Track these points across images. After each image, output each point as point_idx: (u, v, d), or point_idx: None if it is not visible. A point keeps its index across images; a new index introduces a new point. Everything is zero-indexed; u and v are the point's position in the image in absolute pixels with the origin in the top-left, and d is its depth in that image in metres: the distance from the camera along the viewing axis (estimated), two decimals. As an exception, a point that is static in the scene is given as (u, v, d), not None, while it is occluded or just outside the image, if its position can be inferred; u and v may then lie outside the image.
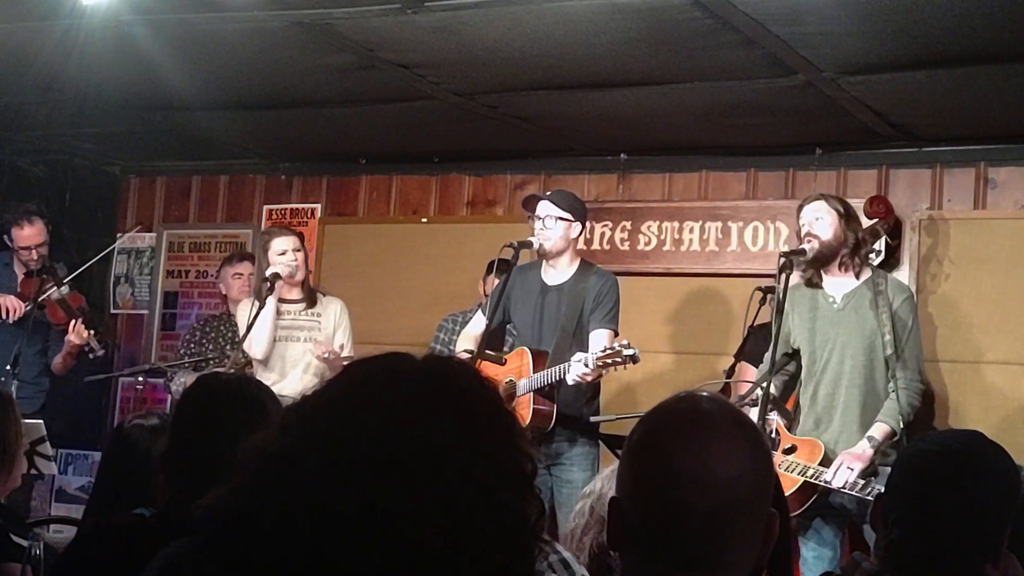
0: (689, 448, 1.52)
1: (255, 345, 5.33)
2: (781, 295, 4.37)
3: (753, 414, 4.25)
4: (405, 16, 4.29)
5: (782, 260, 4.43)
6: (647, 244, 6.27)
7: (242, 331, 5.31)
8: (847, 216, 4.59)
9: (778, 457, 4.45)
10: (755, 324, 5.08)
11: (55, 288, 6.07)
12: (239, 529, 1.20)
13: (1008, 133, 5.48)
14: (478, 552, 1.19)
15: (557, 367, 4.61)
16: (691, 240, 6.17)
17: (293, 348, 5.45)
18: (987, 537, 2.14)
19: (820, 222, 4.55)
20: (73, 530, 4.10)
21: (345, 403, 1.24)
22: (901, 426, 4.37)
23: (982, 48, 4.28)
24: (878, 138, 5.67)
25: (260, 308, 5.23)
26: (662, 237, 6.24)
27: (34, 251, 6.12)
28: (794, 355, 4.73)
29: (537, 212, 4.95)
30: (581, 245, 5.63)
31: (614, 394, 5.79)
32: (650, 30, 4.28)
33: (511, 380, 4.79)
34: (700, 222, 6.16)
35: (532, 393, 4.72)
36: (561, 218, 4.90)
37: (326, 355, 5.26)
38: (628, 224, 6.32)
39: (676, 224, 6.22)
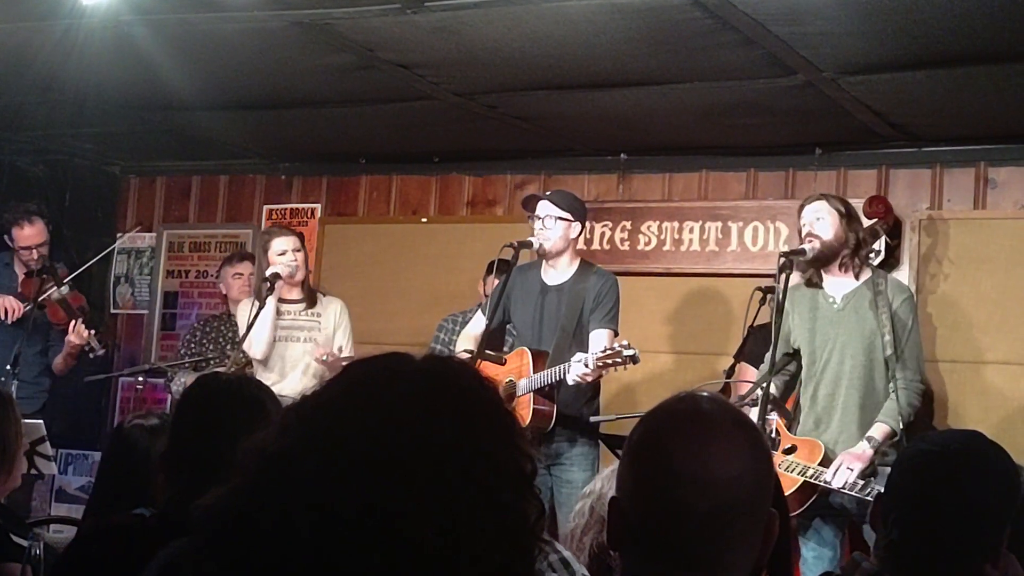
0: (689, 448, 1.52)
1: (255, 345, 5.33)
2: (781, 295, 4.37)
3: (753, 414, 4.25)
4: (405, 16, 4.29)
5: (782, 260, 4.43)
6: (647, 244, 6.27)
7: (242, 331, 5.31)
8: (848, 216, 4.59)
9: (778, 457, 4.45)
10: (755, 324, 5.07)
11: (55, 288, 6.08)
12: (239, 529, 1.20)
13: (1008, 133, 5.48)
14: (478, 552, 1.19)
15: (557, 367, 4.61)
16: (691, 240, 6.17)
17: (293, 348, 5.45)
18: (987, 537, 2.14)
19: (821, 222, 4.55)
20: (73, 530, 4.10)
21: (345, 403, 1.24)
22: (901, 426, 4.37)
23: (982, 48, 4.28)
24: (878, 138, 5.67)
25: (260, 308, 5.23)
26: (662, 237, 6.24)
27: (34, 251, 6.13)
28: (795, 355, 4.73)
29: (537, 212, 4.95)
30: (581, 245, 5.63)
31: (614, 394, 5.79)
32: (650, 30, 4.28)
33: (511, 380, 4.79)
34: (700, 222, 6.16)
35: (532, 393, 4.72)
36: (561, 218, 4.90)
37: (325, 358, 5.26)
38: (628, 224, 6.32)
39: (676, 224, 6.22)
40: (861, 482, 4.26)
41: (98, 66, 5.06)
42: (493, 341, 5.09)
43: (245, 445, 1.25)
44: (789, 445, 4.55)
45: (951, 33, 4.12)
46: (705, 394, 1.64)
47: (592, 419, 4.81)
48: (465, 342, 5.14)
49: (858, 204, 5.01)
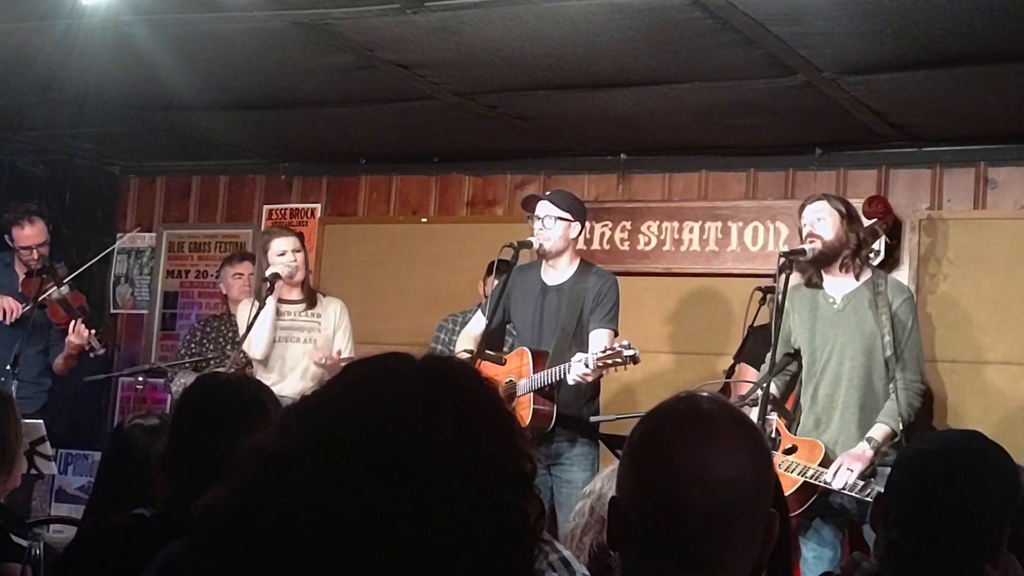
0: (689, 448, 1.52)
1: (254, 345, 5.33)
2: (781, 295, 4.37)
3: (753, 414, 4.25)
4: (405, 16, 4.29)
5: (782, 260, 4.43)
6: (647, 244, 6.27)
7: (242, 331, 5.31)
8: (849, 217, 4.59)
9: (778, 457, 4.45)
10: (755, 325, 5.07)
11: (55, 288, 6.08)
12: (238, 529, 1.19)
13: (1008, 133, 5.48)
14: (478, 552, 1.19)
15: (557, 367, 4.61)
16: (691, 240, 6.17)
17: (293, 349, 5.45)
18: (987, 537, 2.14)
19: (822, 223, 4.55)
20: (73, 530, 4.10)
21: (345, 403, 1.24)
22: (901, 427, 4.37)
23: (982, 48, 4.27)
24: (878, 138, 5.67)
25: (260, 308, 5.24)
26: (662, 237, 6.24)
27: (35, 251, 6.13)
28: (795, 355, 4.73)
29: (536, 212, 4.95)
30: (581, 245, 5.63)
31: (614, 394, 5.79)
32: (650, 30, 4.28)
33: (511, 380, 4.79)
34: (700, 222, 6.16)
35: (532, 393, 4.72)
36: (560, 218, 4.90)
37: (323, 361, 5.25)
38: (628, 224, 6.32)
39: (676, 224, 6.22)
40: (861, 483, 4.26)
41: (98, 66, 5.06)
42: (493, 341, 5.09)
43: (245, 445, 1.25)
44: (789, 445, 4.55)
45: (951, 33, 4.11)
46: (705, 394, 1.64)
47: (592, 419, 4.81)
48: (465, 342, 5.14)
49: (858, 204, 5.02)
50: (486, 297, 5.33)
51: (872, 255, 4.94)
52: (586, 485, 2.58)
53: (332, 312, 5.56)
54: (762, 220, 6.02)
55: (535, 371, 4.73)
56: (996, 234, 5.56)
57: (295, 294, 5.51)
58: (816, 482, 4.37)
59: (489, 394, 1.30)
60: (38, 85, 5.49)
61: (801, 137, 5.81)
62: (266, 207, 7.44)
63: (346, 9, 4.27)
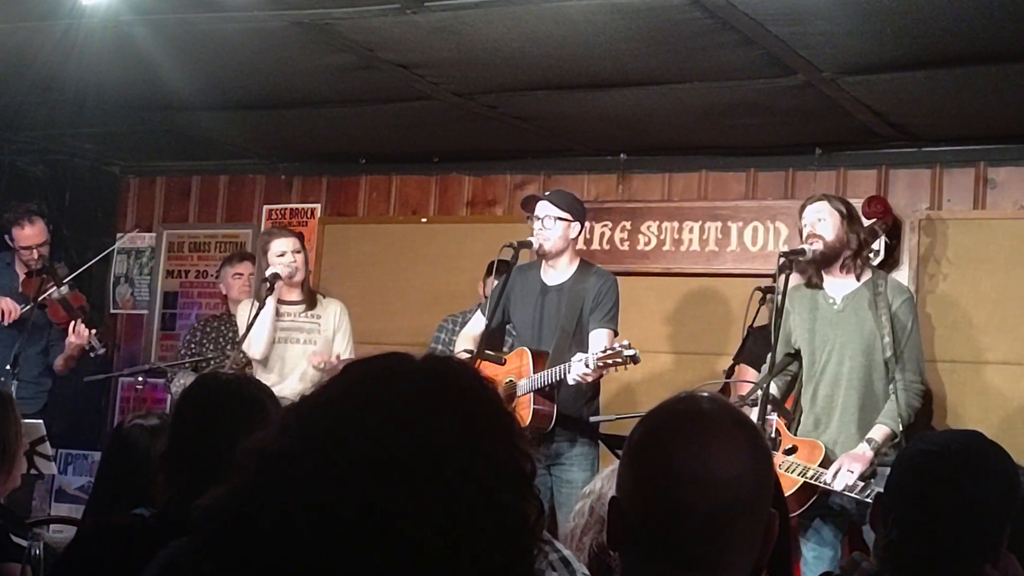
0: (689, 448, 1.52)
1: (254, 345, 5.33)
2: (781, 295, 4.37)
3: (753, 415, 4.25)
4: (405, 16, 4.29)
5: (782, 260, 4.43)
6: (647, 244, 6.27)
7: (242, 331, 5.31)
8: (850, 217, 4.59)
9: (779, 458, 4.45)
10: (754, 325, 5.08)
11: (55, 288, 6.08)
12: (238, 529, 1.19)
13: (1008, 133, 5.48)
14: (478, 552, 1.19)
15: (558, 367, 4.61)
16: (691, 240, 6.17)
17: (293, 350, 5.45)
18: (987, 537, 2.14)
19: (823, 223, 4.54)
20: (73, 530, 4.09)
21: (344, 403, 1.24)
22: (901, 428, 4.36)
23: (982, 48, 4.28)
24: (878, 138, 5.67)
25: (259, 309, 5.24)
26: (662, 237, 6.24)
27: (35, 251, 6.13)
28: (796, 355, 4.73)
29: (536, 212, 4.95)
30: (581, 245, 5.63)
31: (614, 394, 5.79)
32: (650, 30, 4.28)
33: (511, 380, 4.78)
34: (700, 222, 6.16)
35: (532, 393, 4.72)
36: (560, 218, 4.90)
37: (322, 366, 5.25)
38: (628, 224, 6.32)
39: (676, 224, 6.22)
40: (861, 483, 4.26)
41: (98, 66, 5.06)
42: (493, 341, 5.09)
43: (244, 445, 1.25)
44: (790, 446, 4.55)
45: (951, 33, 4.12)
46: (705, 394, 1.64)
47: (592, 419, 4.81)
48: (464, 342, 5.14)
49: (857, 204, 5.01)
50: (486, 297, 5.33)
51: (871, 255, 4.94)
52: (586, 485, 2.58)
53: (332, 313, 5.55)
54: (762, 220, 6.02)
55: (535, 371, 4.73)
56: (996, 234, 5.56)
57: (295, 295, 5.51)
58: (816, 483, 4.37)
59: (489, 394, 1.30)
60: (38, 85, 5.49)
61: (801, 137, 5.81)
62: (266, 207, 7.44)
63: (346, 9, 4.28)
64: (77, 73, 5.19)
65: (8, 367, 5.83)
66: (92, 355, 6.11)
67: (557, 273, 4.97)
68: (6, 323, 6.00)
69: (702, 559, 1.51)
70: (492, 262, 5.26)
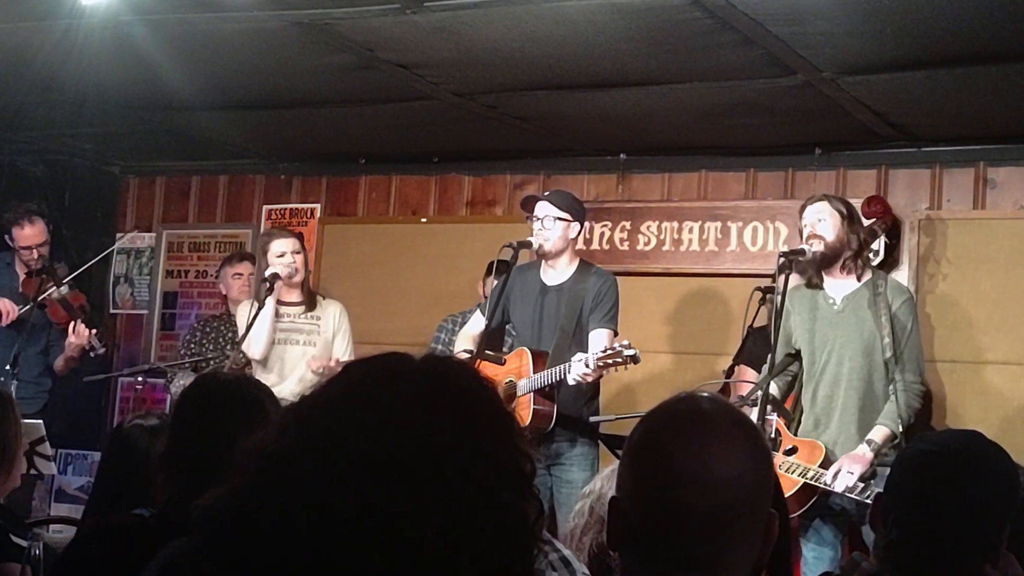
0: (689, 448, 1.52)
1: (253, 345, 5.33)
2: (780, 295, 4.37)
3: (753, 415, 4.25)
4: (405, 16, 4.29)
5: (781, 260, 4.43)
6: (646, 244, 6.27)
7: (241, 332, 5.31)
8: (850, 218, 4.58)
9: (779, 458, 4.44)
10: (754, 326, 5.07)
11: (55, 288, 6.08)
12: (238, 529, 1.19)
13: (1007, 133, 5.48)
14: (478, 552, 1.19)
15: (558, 367, 4.61)
16: (690, 240, 6.17)
17: (292, 351, 5.45)
18: (986, 537, 2.14)
19: (823, 223, 4.54)
20: (73, 530, 4.09)
21: (344, 403, 1.24)
22: (901, 429, 4.36)
23: (982, 48, 4.28)
24: (877, 138, 5.67)
25: (259, 309, 5.24)
26: (661, 237, 6.24)
27: (35, 251, 6.13)
28: (797, 355, 4.73)
29: (535, 212, 4.95)
30: (580, 245, 5.63)
31: (614, 394, 5.79)
32: (649, 30, 4.28)
33: (511, 380, 4.78)
34: (699, 222, 6.16)
35: (532, 393, 4.72)
36: (559, 218, 4.90)
37: (320, 370, 5.25)
38: (627, 224, 6.32)
39: (675, 224, 6.22)
40: (861, 485, 4.26)
41: (98, 66, 5.06)
42: (492, 341, 5.09)
43: (244, 445, 1.25)
44: (790, 446, 4.55)
45: (951, 33, 4.12)
46: (705, 394, 1.64)
47: (592, 419, 4.80)
48: (464, 342, 5.14)
49: (857, 204, 5.01)
50: (485, 297, 5.32)
51: (871, 255, 4.94)
52: (586, 485, 2.58)
53: (331, 315, 5.55)
54: (762, 220, 6.02)
55: (535, 371, 4.73)
56: (996, 234, 5.56)
57: (294, 296, 5.51)
58: (816, 484, 4.36)
59: (489, 394, 1.30)
60: (38, 85, 5.49)
61: (801, 137, 5.81)
62: (266, 207, 7.44)
63: (346, 9, 4.27)
64: (77, 73, 5.19)
65: (8, 367, 5.83)
66: (92, 355, 6.11)
67: (557, 273, 4.97)
68: (4, 324, 6.00)
69: (702, 559, 1.51)
70: (492, 262, 5.26)
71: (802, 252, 4.52)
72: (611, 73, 4.87)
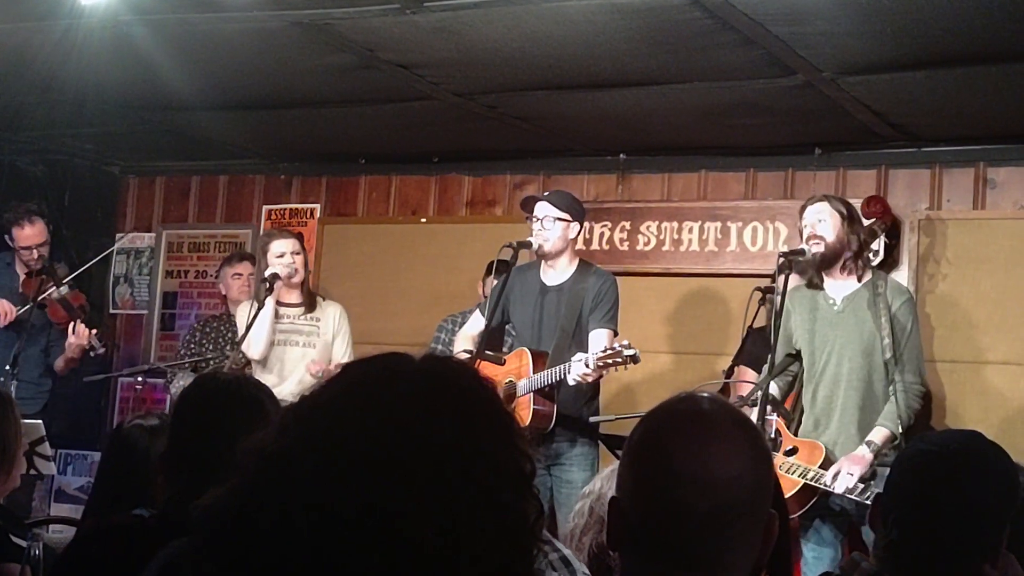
0: (689, 448, 1.52)
1: (253, 346, 5.33)
2: (780, 296, 4.37)
3: (753, 415, 4.25)
4: (405, 16, 4.29)
5: (781, 260, 4.43)
6: (646, 244, 6.27)
7: (241, 332, 5.31)
8: (850, 218, 4.58)
9: (779, 459, 4.44)
10: (754, 326, 5.07)
11: (55, 288, 6.08)
12: (238, 529, 1.19)
13: (1007, 133, 5.48)
14: (478, 552, 1.19)
15: (558, 367, 4.61)
16: (690, 240, 6.17)
17: (292, 352, 5.45)
18: (986, 537, 2.14)
19: (823, 224, 4.54)
20: (73, 530, 4.09)
21: (344, 403, 1.24)
22: (900, 430, 4.36)
23: (982, 48, 4.28)
24: (877, 138, 5.67)
25: (259, 309, 5.24)
26: (661, 237, 6.24)
27: (35, 251, 6.13)
28: (797, 355, 4.73)
29: (535, 213, 4.95)
30: (580, 245, 5.64)
31: (614, 394, 5.79)
32: (649, 30, 4.28)
33: (511, 380, 4.78)
34: (699, 222, 6.16)
35: (532, 393, 4.72)
36: (559, 218, 4.90)
37: (319, 374, 5.25)
38: (627, 224, 6.32)
39: (675, 224, 6.22)
40: (861, 486, 4.26)
41: (98, 66, 5.06)
42: (492, 341, 5.09)
43: (244, 445, 1.25)
44: (790, 447, 4.55)
45: (951, 33, 4.11)
46: (705, 394, 1.64)
47: (592, 419, 4.80)
48: (463, 342, 5.14)
49: (856, 204, 5.01)
50: (485, 297, 5.32)
51: (871, 255, 4.94)
52: (586, 485, 2.58)
53: (331, 316, 5.55)
54: (761, 220, 6.02)
55: (535, 371, 4.73)
56: (995, 234, 5.56)
57: (294, 297, 5.51)
58: (816, 484, 4.36)
59: (488, 394, 1.30)
60: (38, 85, 5.49)
61: (801, 137, 5.81)
62: (265, 207, 7.44)
63: (346, 9, 4.27)
64: (77, 73, 5.19)
65: (8, 367, 5.83)
66: (92, 355, 6.11)
67: (556, 273, 4.97)
68: (3, 324, 6.00)
69: (702, 559, 1.51)
70: (492, 262, 5.26)
71: (802, 252, 4.52)
72: (611, 73, 4.87)
